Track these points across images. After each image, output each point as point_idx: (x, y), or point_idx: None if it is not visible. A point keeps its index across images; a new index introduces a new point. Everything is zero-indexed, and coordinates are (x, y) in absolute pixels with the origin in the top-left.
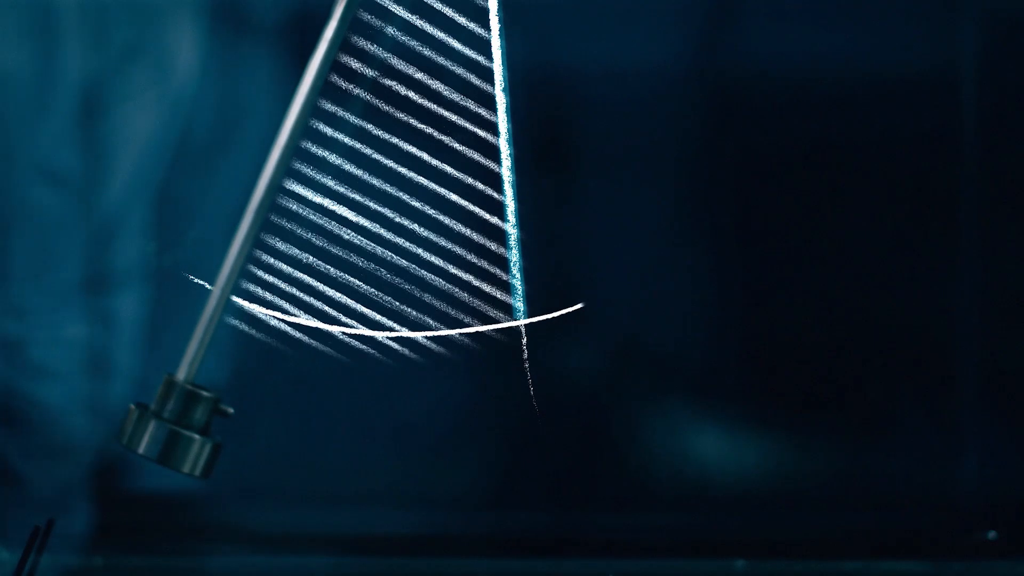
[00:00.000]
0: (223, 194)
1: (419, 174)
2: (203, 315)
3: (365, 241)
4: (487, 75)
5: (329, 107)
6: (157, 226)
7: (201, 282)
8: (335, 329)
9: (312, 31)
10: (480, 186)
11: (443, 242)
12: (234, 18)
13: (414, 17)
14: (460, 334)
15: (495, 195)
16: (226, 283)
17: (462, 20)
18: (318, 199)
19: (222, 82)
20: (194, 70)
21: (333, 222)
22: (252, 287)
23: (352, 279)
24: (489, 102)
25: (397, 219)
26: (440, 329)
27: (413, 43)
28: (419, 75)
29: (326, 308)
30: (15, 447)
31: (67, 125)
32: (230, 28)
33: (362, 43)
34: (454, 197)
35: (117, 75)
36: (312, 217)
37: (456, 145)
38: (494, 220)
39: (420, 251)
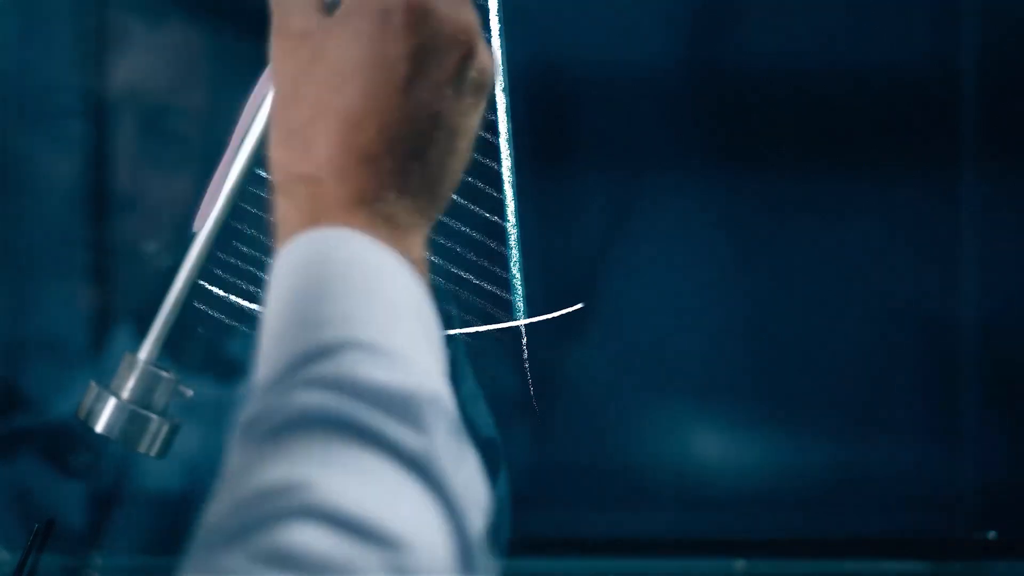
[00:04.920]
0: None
1: None
2: (169, 295)
3: None
4: None
5: None
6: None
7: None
8: None
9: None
10: (480, 185)
11: (443, 241)
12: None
13: None
14: (460, 334)
15: (495, 194)
16: (194, 263)
17: None
18: None
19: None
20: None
21: None
22: (253, 288)
23: None
24: (489, 102)
25: None
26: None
27: None
28: None
29: None
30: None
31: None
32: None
33: None
34: (454, 196)
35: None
36: None
37: None
38: (494, 219)
39: None
